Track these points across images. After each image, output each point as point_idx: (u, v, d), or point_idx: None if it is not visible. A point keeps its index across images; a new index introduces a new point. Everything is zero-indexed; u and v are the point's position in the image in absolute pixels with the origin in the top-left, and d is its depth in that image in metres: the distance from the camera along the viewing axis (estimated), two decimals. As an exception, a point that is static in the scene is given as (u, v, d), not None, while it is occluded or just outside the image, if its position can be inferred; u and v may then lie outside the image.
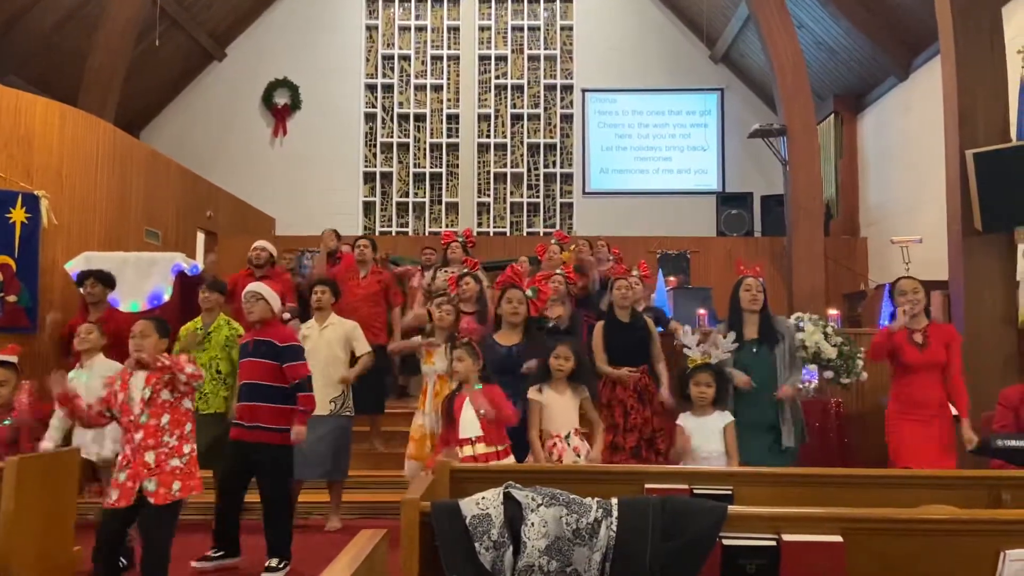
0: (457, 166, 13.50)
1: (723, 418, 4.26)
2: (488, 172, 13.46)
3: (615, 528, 2.22)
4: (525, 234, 13.00)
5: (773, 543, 2.19)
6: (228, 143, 13.15)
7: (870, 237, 11.36)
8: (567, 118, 13.60)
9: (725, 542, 2.20)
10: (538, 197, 13.48)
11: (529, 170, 13.53)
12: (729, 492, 2.99)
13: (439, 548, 2.24)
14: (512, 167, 13.49)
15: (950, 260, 6.78)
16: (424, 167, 13.49)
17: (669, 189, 13.32)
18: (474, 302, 5.63)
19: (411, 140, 13.51)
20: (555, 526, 2.22)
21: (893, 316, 4.66)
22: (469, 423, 4.16)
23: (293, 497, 5.22)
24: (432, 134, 13.52)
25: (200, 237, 9.94)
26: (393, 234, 13.10)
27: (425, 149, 13.52)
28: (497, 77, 13.58)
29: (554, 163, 13.52)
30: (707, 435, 4.20)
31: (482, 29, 13.63)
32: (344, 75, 13.44)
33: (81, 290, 5.80)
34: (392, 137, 13.50)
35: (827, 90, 11.98)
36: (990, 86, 6.54)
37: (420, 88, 13.58)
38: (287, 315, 5.77)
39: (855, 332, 6.87)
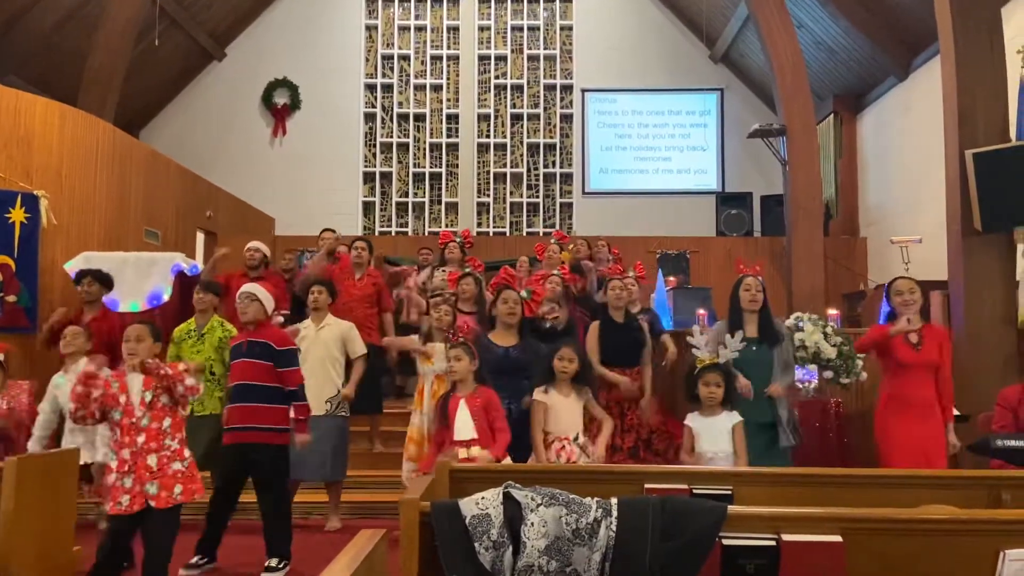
0: (457, 166, 13.50)
1: (731, 418, 4.26)
2: (488, 172, 13.46)
3: (615, 528, 2.22)
4: (525, 234, 13.00)
5: (773, 543, 2.19)
6: (228, 143, 13.15)
7: (869, 237, 11.36)
8: (567, 118, 13.60)
9: (725, 542, 2.20)
10: (538, 197, 13.48)
11: (529, 170, 13.53)
12: (729, 492, 2.99)
13: (439, 548, 2.24)
14: (512, 167, 13.49)
15: (949, 260, 6.78)
16: (424, 167, 13.49)
17: (669, 189, 13.32)
18: (473, 303, 5.63)
19: (411, 140, 13.51)
20: (555, 526, 2.22)
21: (889, 315, 4.66)
22: (464, 425, 4.15)
23: (290, 497, 5.24)
24: (432, 134, 13.52)
25: (200, 237, 9.94)
26: (393, 234, 13.10)
27: (425, 149, 13.52)
28: (497, 77, 13.58)
29: (554, 163, 13.52)
30: (715, 435, 4.20)
31: (482, 29, 13.63)
32: (344, 75, 13.44)
33: (78, 288, 5.80)
34: (392, 137, 13.50)
35: (827, 90, 11.98)
36: (990, 86, 6.54)
37: (420, 88, 13.58)
38: (279, 318, 5.77)
39: (855, 332, 6.86)
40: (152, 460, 3.76)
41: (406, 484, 4.77)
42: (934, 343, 4.58)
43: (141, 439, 3.77)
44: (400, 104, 13.56)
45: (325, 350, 5.33)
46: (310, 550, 4.87)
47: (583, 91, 13.55)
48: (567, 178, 13.54)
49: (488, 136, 13.50)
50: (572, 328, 5.65)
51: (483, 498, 2.32)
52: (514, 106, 13.57)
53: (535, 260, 7.53)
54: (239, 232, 10.38)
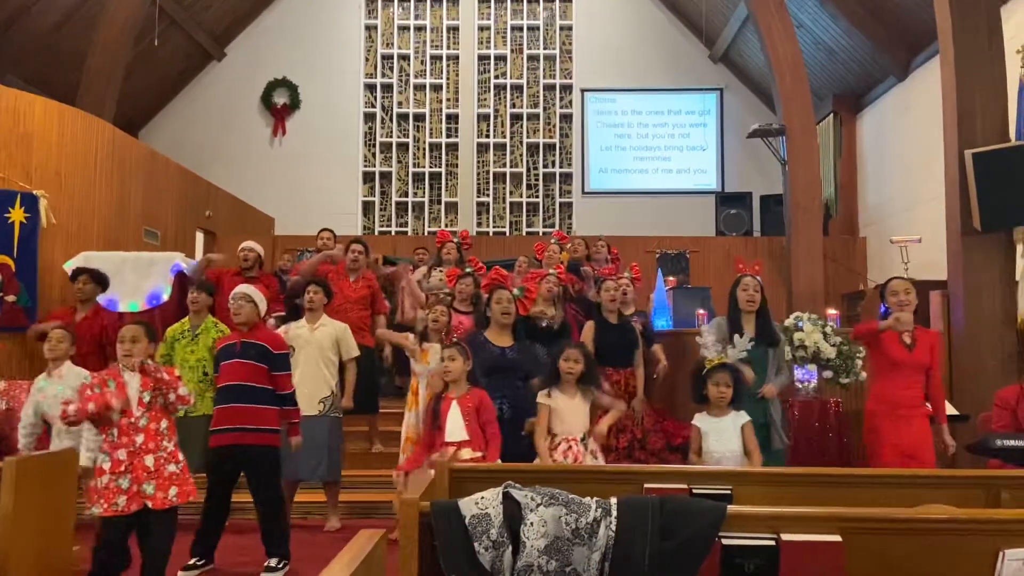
0: (456, 166, 13.50)
1: (740, 418, 4.26)
2: (487, 172, 13.46)
3: (614, 528, 2.22)
4: (524, 234, 13.00)
5: (772, 543, 2.19)
6: (227, 143, 13.15)
7: (869, 237, 11.37)
8: (566, 118, 13.61)
9: (724, 542, 2.20)
10: (537, 197, 13.48)
11: (528, 170, 13.53)
12: (728, 492, 2.99)
13: (438, 548, 2.24)
14: (511, 167, 13.49)
15: (949, 260, 6.79)
16: (423, 167, 13.49)
17: (668, 189, 13.32)
18: (470, 303, 5.63)
19: (410, 140, 13.51)
20: (554, 526, 2.22)
21: (885, 315, 4.67)
22: (455, 427, 4.13)
23: (284, 496, 5.26)
24: (431, 134, 13.52)
25: (199, 237, 9.94)
26: (392, 234, 13.10)
27: (424, 149, 13.52)
28: (496, 77, 13.58)
29: (553, 163, 13.53)
30: (724, 435, 4.20)
31: (481, 29, 13.63)
32: (343, 75, 13.44)
33: (74, 286, 5.80)
34: (391, 137, 13.50)
35: (826, 90, 11.99)
36: (989, 86, 6.55)
37: (419, 88, 13.58)
38: (271, 320, 5.78)
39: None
40: (149, 461, 3.76)
41: (397, 485, 4.77)
42: (926, 345, 4.59)
43: (140, 439, 3.77)
44: (400, 104, 13.56)
45: (319, 350, 5.33)
46: (310, 550, 4.87)
47: (583, 91, 13.55)
48: (567, 178, 13.54)
49: (488, 136, 13.50)
50: (567, 328, 5.67)
51: (483, 498, 2.32)
52: (514, 106, 13.57)
53: (536, 260, 7.52)
54: (238, 232, 10.38)
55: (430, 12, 13.64)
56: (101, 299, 6.18)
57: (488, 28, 13.62)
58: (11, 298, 6.33)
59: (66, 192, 7.09)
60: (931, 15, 7.10)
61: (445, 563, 2.22)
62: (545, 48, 13.65)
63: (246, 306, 4.57)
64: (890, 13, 9.92)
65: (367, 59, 13.60)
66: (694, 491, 2.95)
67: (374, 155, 13.51)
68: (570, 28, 13.64)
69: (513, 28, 13.65)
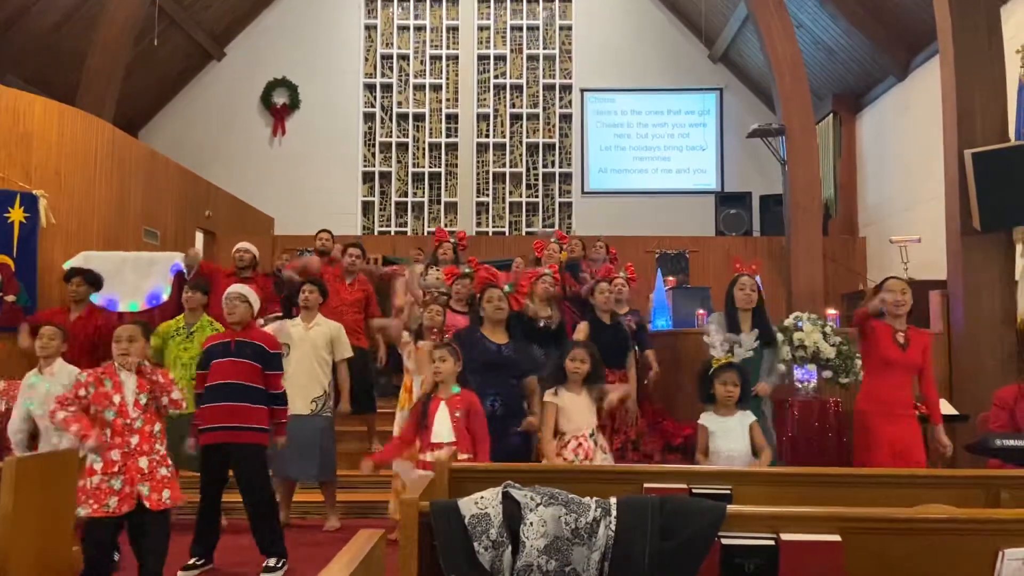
0: (456, 166, 13.50)
1: (747, 417, 4.27)
2: (487, 172, 13.46)
3: (614, 527, 2.22)
4: (524, 234, 13.00)
5: (772, 542, 2.19)
6: (227, 143, 13.14)
7: (869, 237, 11.37)
8: (566, 118, 13.60)
9: (724, 541, 2.20)
10: (537, 197, 13.48)
11: (528, 170, 13.53)
12: (728, 492, 2.99)
13: (438, 548, 2.24)
14: (511, 167, 13.49)
15: (949, 260, 6.79)
16: (423, 167, 13.49)
17: (668, 189, 13.32)
18: (466, 303, 5.63)
19: (410, 140, 13.51)
20: (554, 525, 2.22)
21: (880, 314, 4.68)
22: (443, 428, 4.12)
23: (284, 496, 5.39)
24: (431, 134, 13.52)
25: (199, 237, 9.94)
26: (392, 234, 13.10)
27: (424, 149, 13.52)
28: (496, 77, 13.58)
29: (553, 163, 13.53)
30: (732, 435, 4.21)
31: (481, 29, 13.63)
32: (343, 75, 13.44)
33: (68, 287, 5.80)
34: (391, 137, 13.50)
35: (826, 90, 11.99)
36: (989, 86, 6.55)
37: (419, 88, 13.58)
38: (259, 320, 5.79)
39: (854, 332, 6.87)
40: (143, 462, 3.75)
41: (398, 473, 4.76)
42: (919, 346, 4.60)
43: (134, 440, 3.75)
44: (399, 104, 13.56)
45: (313, 350, 5.34)
46: (309, 550, 4.87)
47: (582, 91, 13.55)
48: (566, 178, 13.54)
49: (487, 136, 13.50)
50: (564, 328, 5.69)
51: (482, 497, 2.32)
52: (513, 106, 13.57)
53: (537, 261, 7.51)
54: (238, 232, 10.38)
55: (430, 12, 13.64)
56: (100, 299, 6.19)
57: (488, 28, 13.62)
58: (11, 298, 6.33)
59: (66, 192, 7.09)
60: (931, 15, 7.10)
61: (445, 563, 2.22)
62: (545, 48, 13.65)
63: (240, 306, 4.57)
64: (890, 13, 9.92)
65: (367, 59, 13.60)
66: (694, 491, 2.95)
67: (374, 155, 13.51)
68: (570, 28, 13.64)
69: (513, 28, 13.66)
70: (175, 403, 3.88)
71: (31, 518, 3.69)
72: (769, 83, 10.11)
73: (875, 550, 2.23)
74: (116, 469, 3.72)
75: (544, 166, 13.52)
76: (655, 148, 13.51)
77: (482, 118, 13.53)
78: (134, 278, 6.74)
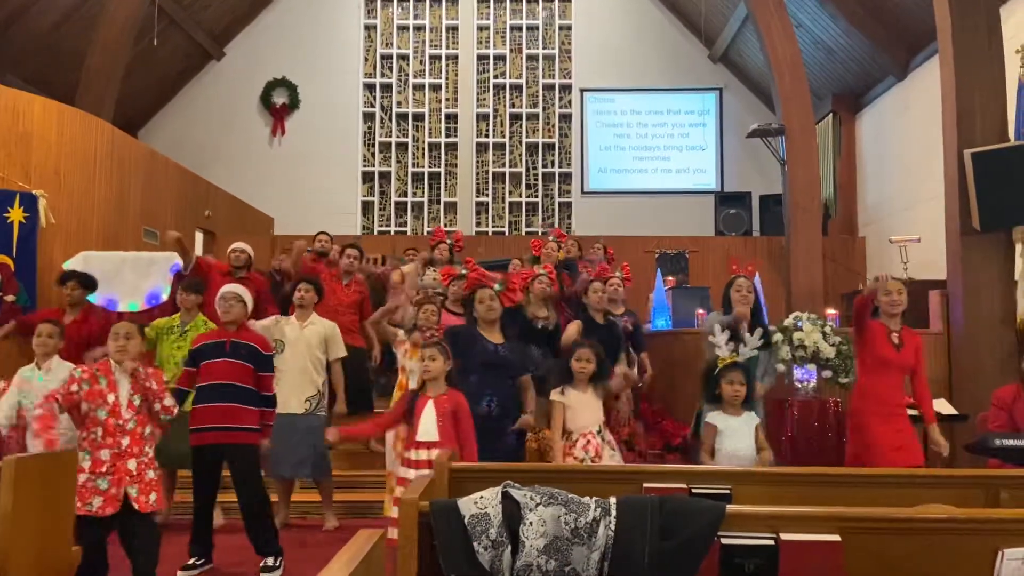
0: (456, 166, 13.49)
1: (752, 418, 4.28)
2: (487, 172, 13.46)
3: (613, 527, 2.22)
4: (524, 233, 13.00)
5: (771, 542, 2.19)
6: (226, 142, 13.14)
7: (868, 237, 11.37)
8: (566, 118, 13.60)
9: (723, 541, 2.20)
10: (537, 197, 13.48)
11: (528, 170, 13.53)
12: (727, 491, 2.99)
13: (437, 547, 2.24)
14: (511, 167, 13.49)
15: (948, 260, 6.79)
16: (423, 167, 13.49)
17: (667, 189, 13.32)
18: (461, 304, 5.64)
19: (410, 140, 13.51)
20: (553, 525, 2.22)
21: (875, 313, 4.68)
22: (429, 427, 4.12)
23: (283, 495, 5.45)
24: (431, 134, 13.52)
25: (199, 237, 9.94)
26: (392, 234, 13.09)
27: (424, 149, 13.52)
28: (496, 77, 13.58)
29: (553, 163, 13.52)
30: (739, 435, 4.22)
31: (481, 29, 13.62)
32: (343, 74, 13.44)
33: (63, 290, 5.79)
34: (391, 137, 13.50)
35: (825, 90, 11.99)
36: (988, 86, 6.55)
37: (419, 88, 13.57)
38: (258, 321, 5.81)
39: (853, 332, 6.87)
40: (132, 464, 3.73)
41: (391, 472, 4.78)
42: (912, 346, 4.61)
43: (125, 442, 3.73)
44: (399, 104, 13.56)
45: (308, 349, 5.34)
46: (308, 550, 4.87)
47: (582, 91, 13.55)
48: (566, 178, 13.54)
49: (487, 136, 13.50)
50: (560, 329, 5.71)
51: (482, 497, 2.32)
52: (513, 106, 13.57)
53: (534, 259, 7.51)
54: (238, 232, 10.38)
55: (429, 12, 13.64)
56: (100, 299, 6.18)
57: (487, 28, 13.62)
58: (10, 298, 6.33)
59: (65, 192, 7.09)
60: (930, 15, 7.10)
61: (444, 563, 2.22)
62: (544, 48, 13.65)
63: (236, 306, 4.57)
64: (889, 13, 9.92)
65: (366, 59, 13.60)
66: (693, 491, 2.95)
67: (373, 155, 13.50)
68: (569, 28, 13.64)
69: (512, 28, 13.65)
70: (167, 409, 3.86)
71: (31, 517, 3.69)
72: (769, 83, 10.11)
73: (875, 550, 2.23)
74: (104, 469, 3.69)
75: (544, 166, 13.52)
76: (655, 148, 13.51)
77: (482, 118, 13.53)
78: (133, 278, 6.73)
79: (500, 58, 13.60)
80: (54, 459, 4.08)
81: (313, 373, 5.35)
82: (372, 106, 13.53)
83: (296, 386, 5.23)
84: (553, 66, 13.64)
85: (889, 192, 10.92)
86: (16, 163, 6.71)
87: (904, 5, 9.55)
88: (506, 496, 2.30)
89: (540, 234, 12.25)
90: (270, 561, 4.41)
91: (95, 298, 6.07)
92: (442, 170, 13.47)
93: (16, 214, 6.44)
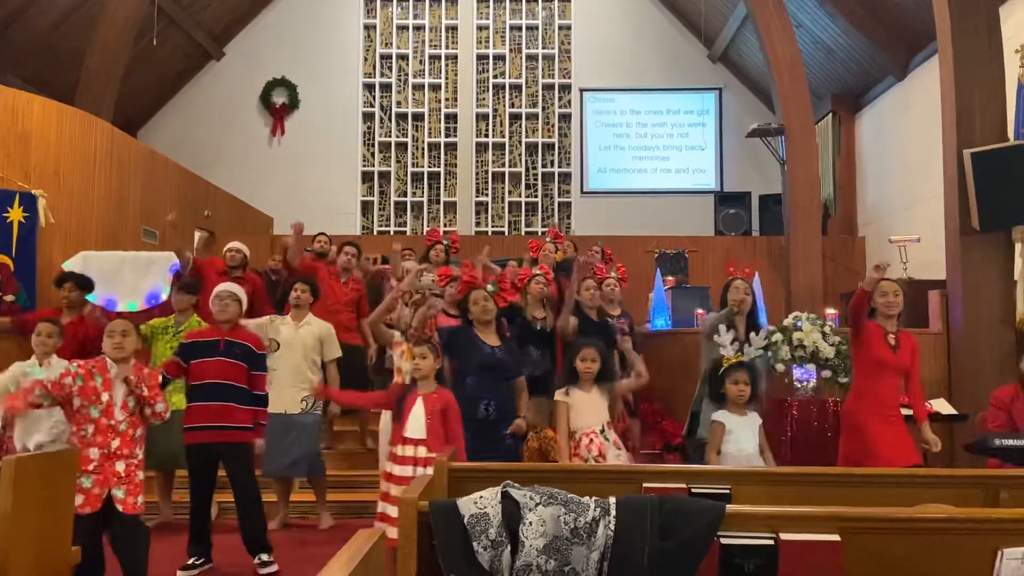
0: (455, 165, 13.49)
1: (755, 418, 4.29)
2: (486, 172, 13.46)
3: (613, 527, 2.22)
4: (523, 233, 12.99)
5: (771, 542, 2.19)
6: (226, 142, 13.13)
7: (868, 236, 11.37)
8: (565, 117, 13.60)
9: (723, 541, 2.20)
10: (536, 197, 13.48)
11: (527, 169, 13.53)
12: (727, 491, 2.99)
13: (437, 547, 2.24)
14: (510, 167, 13.48)
15: (948, 259, 6.79)
16: (422, 166, 13.48)
17: (667, 188, 13.32)
18: (456, 306, 5.64)
19: (409, 139, 13.50)
20: (553, 525, 2.22)
21: (871, 314, 4.68)
22: (416, 424, 4.14)
23: (282, 496, 5.51)
24: (430, 133, 13.51)
25: (198, 236, 9.92)
26: (391, 233, 13.08)
27: (423, 148, 13.51)
28: (495, 76, 13.58)
29: (552, 162, 13.52)
30: (745, 434, 4.23)
31: (480, 28, 13.62)
32: (342, 74, 13.43)
33: (60, 292, 5.78)
34: (390, 136, 13.49)
35: (825, 89, 11.99)
36: (988, 85, 6.55)
37: (418, 87, 13.57)
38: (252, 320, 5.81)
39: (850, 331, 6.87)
40: (120, 466, 3.71)
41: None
42: (908, 348, 4.62)
43: (115, 443, 3.72)
44: (399, 103, 13.55)
45: (303, 349, 5.36)
46: (306, 550, 4.88)
47: (581, 90, 13.55)
48: (565, 177, 13.53)
49: (487, 136, 13.50)
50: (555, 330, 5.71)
51: (481, 497, 2.32)
52: (512, 105, 13.57)
53: (533, 260, 7.50)
54: (237, 231, 10.37)
55: (429, 12, 13.63)
56: (100, 299, 6.18)
57: (487, 28, 13.61)
58: (10, 298, 6.32)
59: (65, 192, 7.09)
60: (930, 15, 7.10)
61: (444, 562, 2.22)
62: (544, 48, 13.64)
63: (232, 305, 4.59)
64: (889, 13, 9.92)
65: (366, 59, 13.59)
66: (693, 490, 2.96)
67: (373, 155, 13.50)
68: (569, 28, 13.63)
69: (512, 28, 13.65)
70: (157, 415, 3.84)
71: (30, 517, 3.69)
72: (768, 83, 10.11)
73: (874, 550, 2.23)
74: (91, 468, 3.67)
75: (543, 166, 13.51)
76: (654, 148, 13.51)
77: (481, 118, 13.53)
78: (133, 278, 6.73)
79: (500, 58, 13.59)
80: (54, 459, 4.08)
81: (308, 373, 5.36)
82: (372, 106, 13.53)
83: (291, 386, 5.26)
84: (553, 66, 13.63)
85: (889, 192, 10.92)
86: (15, 163, 6.71)
87: (904, 5, 9.55)
88: (506, 496, 2.30)
89: (540, 234, 12.25)
90: (265, 556, 4.47)
91: (94, 298, 6.06)
92: (442, 170, 13.47)
93: (15, 214, 6.44)
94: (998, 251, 6.47)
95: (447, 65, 13.62)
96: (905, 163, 10.32)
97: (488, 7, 13.60)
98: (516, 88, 13.60)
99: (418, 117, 13.54)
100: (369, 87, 13.55)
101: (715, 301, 7.55)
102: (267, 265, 8.05)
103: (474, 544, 2.22)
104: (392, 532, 3.69)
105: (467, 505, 2.29)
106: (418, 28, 13.62)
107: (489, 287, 5.08)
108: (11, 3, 9.62)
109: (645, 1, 13.47)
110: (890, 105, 10.90)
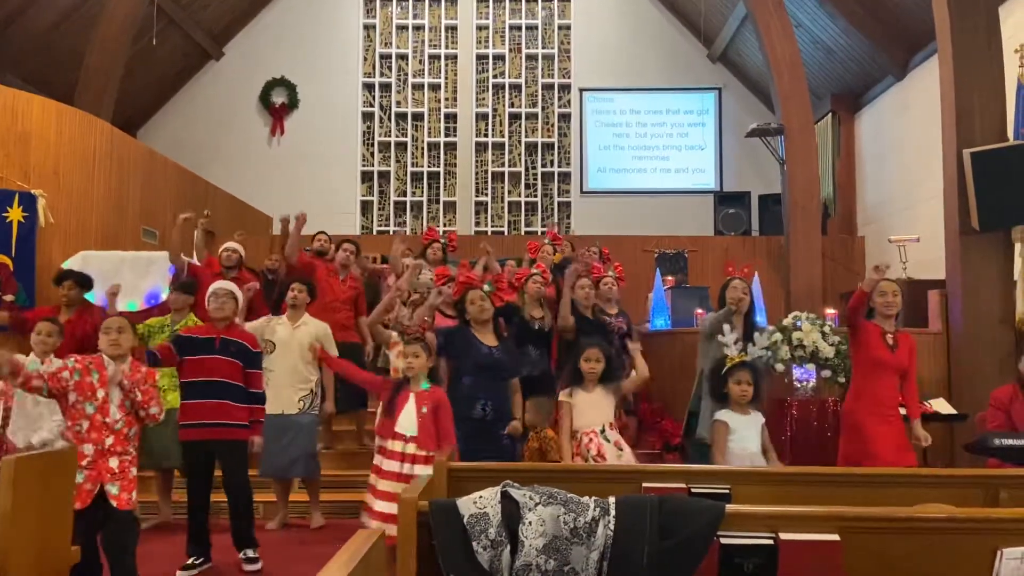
0: (455, 165, 13.49)
1: (758, 417, 4.29)
2: (486, 171, 13.46)
3: (612, 527, 2.22)
4: (523, 233, 12.99)
5: (770, 542, 2.19)
6: (226, 142, 13.13)
7: (867, 236, 11.37)
8: (565, 117, 13.59)
9: (723, 541, 2.20)
10: (536, 196, 13.48)
11: (527, 169, 13.52)
12: (727, 491, 2.99)
13: (437, 547, 2.24)
14: (510, 166, 13.48)
15: (947, 259, 6.79)
16: (422, 166, 13.48)
17: (667, 188, 13.31)
18: (454, 306, 5.64)
19: (409, 139, 13.50)
20: (553, 525, 2.22)
21: (870, 314, 4.69)
22: (408, 421, 4.15)
23: (281, 496, 5.52)
24: (430, 133, 13.51)
25: (198, 236, 9.91)
26: (391, 233, 13.07)
27: (423, 148, 13.51)
28: (495, 76, 13.57)
29: (552, 162, 13.52)
30: (748, 433, 4.23)
31: (480, 28, 13.62)
32: (342, 74, 13.42)
33: (59, 291, 5.78)
34: (390, 136, 13.49)
35: (824, 89, 11.99)
36: (987, 85, 6.55)
37: (418, 87, 13.56)
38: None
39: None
40: (114, 462, 3.72)
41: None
42: (906, 348, 4.62)
43: (109, 441, 3.72)
44: (398, 103, 13.55)
45: (300, 349, 5.35)
46: (307, 549, 4.88)
47: (581, 90, 13.54)
48: (565, 177, 13.53)
49: (486, 135, 13.49)
50: (555, 330, 5.72)
51: (481, 497, 2.32)
52: (512, 105, 13.56)
53: (531, 261, 7.50)
54: (237, 231, 10.37)
55: (428, 11, 13.63)
56: (99, 299, 6.17)
57: (487, 27, 13.61)
58: (9, 297, 6.31)
59: (64, 191, 7.08)
60: (929, 14, 7.10)
61: (444, 562, 2.22)
62: (544, 47, 13.64)
63: (229, 302, 4.60)
64: (889, 12, 9.92)
65: (365, 58, 13.59)
66: (692, 490, 2.96)
67: (372, 154, 13.49)
68: (568, 27, 13.63)
69: (512, 27, 13.64)
70: (152, 417, 3.83)
71: (30, 517, 3.69)
72: (768, 83, 10.11)
73: (874, 549, 2.23)
74: (84, 464, 3.67)
75: (543, 165, 13.51)
76: (654, 148, 13.50)
77: (481, 117, 13.53)
78: (132, 278, 6.72)
79: (499, 58, 13.59)
80: (54, 458, 4.07)
81: (305, 373, 5.37)
82: (371, 106, 13.52)
83: (288, 386, 5.28)
84: (552, 66, 13.63)
85: (888, 192, 10.92)
86: (15, 163, 6.70)
87: (903, 5, 9.55)
88: (505, 496, 2.30)
89: (540, 234, 12.25)
90: (251, 552, 4.51)
91: (93, 297, 6.05)
92: (441, 170, 13.46)
93: (15, 214, 6.44)
94: (998, 251, 6.47)
95: (447, 65, 13.62)
96: (905, 163, 10.32)
97: (488, 7, 13.60)
98: (516, 88, 13.60)
99: (418, 117, 13.54)
100: (369, 87, 13.55)
101: (714, 301, 7.57)
102: (264, 265, 8.05)
103: (474, 544, 2.22)
104: (373, 524, 3.75)
105: (467, 505, 2.29)
106: (418, 28, 13.62)
107: (486, 287, 5.08)
108: (10, 3, 9.62)
109: (645, 1, 13.47)
110: (890, 105, 10.90)
